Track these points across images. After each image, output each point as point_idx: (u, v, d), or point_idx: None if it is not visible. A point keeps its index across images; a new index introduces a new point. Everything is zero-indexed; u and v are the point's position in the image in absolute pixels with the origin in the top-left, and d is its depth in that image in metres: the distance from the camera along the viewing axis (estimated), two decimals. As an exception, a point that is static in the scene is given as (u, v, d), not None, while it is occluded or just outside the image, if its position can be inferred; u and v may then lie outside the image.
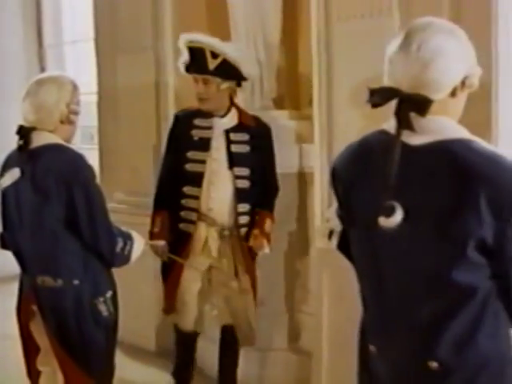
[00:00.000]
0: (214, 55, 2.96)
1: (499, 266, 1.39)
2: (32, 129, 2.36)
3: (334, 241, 1.65)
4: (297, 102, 3.82)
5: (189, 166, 3.08)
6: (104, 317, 2.41)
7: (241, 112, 3.17)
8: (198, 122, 3.11)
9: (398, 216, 1.38)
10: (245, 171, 3.08)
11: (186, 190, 3.08)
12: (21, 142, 2.35)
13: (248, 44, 3.70)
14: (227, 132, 3.09)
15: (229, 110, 3.12)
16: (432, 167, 1.40)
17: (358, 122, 2.90)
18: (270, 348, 3.29)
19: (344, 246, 1.61)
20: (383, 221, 1.39)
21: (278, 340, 3.44)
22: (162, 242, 3.14)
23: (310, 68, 3.33)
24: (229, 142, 3.08)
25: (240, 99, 3.69)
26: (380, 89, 1.46)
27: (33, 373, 2.55)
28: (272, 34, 3.70)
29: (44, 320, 2.39)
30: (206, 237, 3.09)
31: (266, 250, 3.11)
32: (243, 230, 3.09)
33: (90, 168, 2.39)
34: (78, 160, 2.38)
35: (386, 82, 1.47)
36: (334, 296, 3.03)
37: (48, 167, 2.32)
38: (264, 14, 3.68)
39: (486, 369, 1.41)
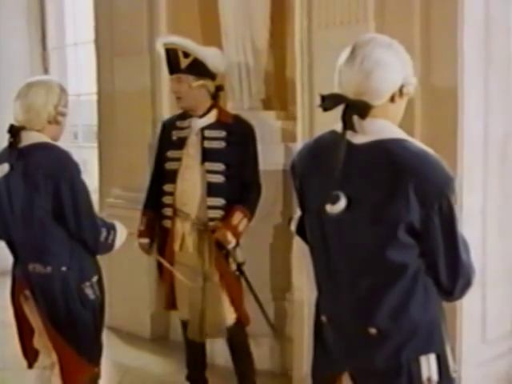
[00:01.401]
0: (186, 55, 3.07)
1: (426, 246, 1.61)
2: (21, 128, 2.53)
3: (293, 226, 1.89)
4: (284, 103, 3.99)
5: (167, 165, 3.20)
6: (91, 299, 2.58)
7: (221, 111, 3.22)
8: (178, 123, 3.22)
9: (342, 204, 1.60)
10: (219, 166, 3.11)
11: (165, 187, 3.18)
12: (11, 140, 2.51)
13: (237, 48, 3.89)
14: (203, 129, 3.15)
15: (209, 111, 3.18)
16: (371, 162, 1.61)
17: (336, 123, 3.12)
18: (255, 334, 3.44)
19: (302, 231, 1.83)
20: (329, 208, 1.61)
21: (262, 327, 3.62)
22: (145, 240, 3.25)
23: (296, 71, 3.53)
24: (203, 139, 3.14)
25: (229, 101, 3.89)
26: (330, 95, 1.67)
27: (29, 352, 2.72)
28: (260, 39, 3.89)
29: (36, 303, 2.57)
30: (183, 232, 3.15)
31: (231, 243, 3.07)
32: (212, 224, 3.10)
33: (75, 164, 2.55)
34: (64, 157, 2.54)
35: (336, 89, 1.69)
36: (314, 285, 3.22)
37: (37, 164, 2.48)
38: (253, 20, 3.87)
39: (416, 334, 1.62)
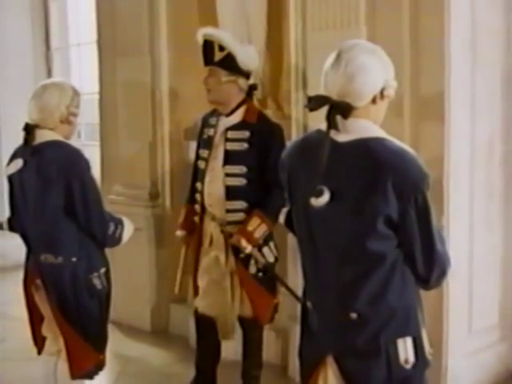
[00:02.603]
0: (221, 48, 3.07)
1: (403, 237, 1.74)
2: (35, 126, 2.69)
3: (281, 218, 2.03)
4: (279, 102, 4.08)
5: (198, 163, 3.26)
6: (98, 290, 2.73)
7: (248, 110, 3.18)
8: (210, 120, 3.25)
9: (326, 197, 1.73)
10: (240, 169, 3.10)
11: (196, 185, 3.24)
12: (26, 137, 2.68)
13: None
14: (227, 130, 3.15)
15: (237, 109, 3.15)
16: (353, 159, 1.74)
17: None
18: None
19: (290, 223, 1.96)
20: (314, 201, 1.74)
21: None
22: (181, 232, 3.32)
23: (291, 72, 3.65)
24: (226, 140, 3.14)
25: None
26: (315, 96, 1.80)
27: (38, 339, 2.87)
28: (257, 41, 3.97)
29: (46, 292, 2.71)
30: (211, 231, 3.19)
31: (246, 249, 3.05)
32: (230, 228, 3.12)
33: (85, 161, 2.71)
34: (75, 154, 2.70)
35: (322, 91, 1.81)
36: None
37: (50, 160, 2.65)
38: (250, 22, 3.98)
39: (394, 318, 1.75)
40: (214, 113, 3.26)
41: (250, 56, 3.21)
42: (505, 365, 3.54)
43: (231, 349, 3.57)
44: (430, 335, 3.02)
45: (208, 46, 3.12)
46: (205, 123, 3.30)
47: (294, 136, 3.55)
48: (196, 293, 3.34)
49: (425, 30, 3.12)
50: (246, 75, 3.18)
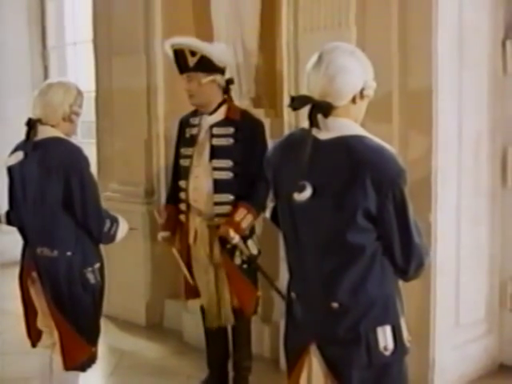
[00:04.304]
0: (193, 53, 3.14)
1: (382, 230, 1.82)
2: (38, 121, 2.76)
3: (268, 213, 2.10)
4: (272, 101, 4.14)
5: (181, 162, 3.31)
6: (91, 284, 2.79)
7: (229, 108, 3.27)
8: (191, 120, 3.32)
9: (308, 192, 1.80)
10: (226, 163, 3.18)
11: (180, 183, 3.29)
12: (28, 131, 2.75)
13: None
14: (211, 127, 3.22)
15: (219, 107, 3.24)
16: (334, 156, 1.81)
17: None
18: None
19: (276, 218, 2.03)
20: (297, 196, 1.81)
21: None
22: (165, 233, 3.38)
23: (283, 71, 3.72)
24: (212, 136, 3.21)
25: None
26: (298, 96, 1.88)
27: (32, 332, 2.93)
28: (250, 41, 4.06)
29: (42, 284, 2.78)
30: (195, 227, 3.26)
31: (234, 239, 3.13)
32: (217, 220, 3.20)
33: (85, 158, 2.79)
34: (76, 151, 2.77)
35: (305, 91, 1.89)
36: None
37: (51, 155, 2.72)
38: (243, 22, 4.04)
39: (373, 307, 1.83)
40: (196, 113, 3.33)
41: (223, 52, 3.29)
42: (491, 358, 3.62)
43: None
44: (417, 328, 3.13)
45: (179, 54, 3.18)
46: (185, 124, 3.37)
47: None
48: (187, 291, 3.41)
49: (413, 31, 3.19)
50: (222, 71, 3.25)
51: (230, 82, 3.31)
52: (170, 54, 3.24)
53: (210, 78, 3.19)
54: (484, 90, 3.46)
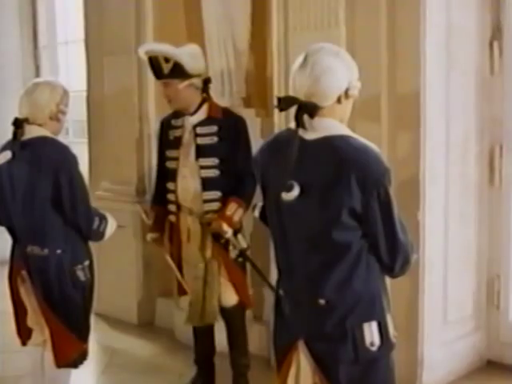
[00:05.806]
0: (167, 60, 3.14)
1: (367, 228, 1.85)
2: (25, 120, 2.78)
3: (256, 212, 2.13)
4: (263, 101, 4.16)
5: (168, 164, 3.34)
6: (82, 281, 2.82)
7: (211, 106, 3.30)
8: (173, 122, 3.34)
9: (296, 191, 1.83)
10: (212, 161, 3.22)
11: (168, 185, 3.32)
12: (15, 131, 2.76)
13: (220, 49, 4.10)
14: (195, 127, 3.25)
15: (200, 107, 3.27)
16: (320, 156, 1.85)
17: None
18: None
19: (264, 216, 2.07)
20: (285, 195, 1.84)
21: (251, 311, 3.83)
22: (154, 234, 3.43)
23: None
24: (196, 136, 3.24)
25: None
26: (284, 97, 1.91)
27: (22, 331, 2.95)
28: (241, 41, 4.09)
29: (32, 283, 2.80)
30: (188, 226, 3.30)
31: (227, 233, 3.18)
32: (208, 216, 3.24)
33: (73, 157, 2.81)
34: (64, 150, 2.80)
35: (290, 91, 1.92)
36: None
37: (39, 154, 2.74)
38: (234, 23, 4.07)
39: (359, 304, 1.86)
40: (177, 114, 3.34)
41: (195, 60, 3.25)
42: (479, 354, 3.66)
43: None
44: (406, 325, 3.17)
45: (154, 61, 3.19)
46: (166, 126, 3.38)
47: (276, 133, 3.64)
48: (180, 287, 3.43)
49: (401, 31, 3.23)
50: (198, 75, 3.26)
51: (207, 81, 3.32)
52: (145, 60, 3.24)
53: (186, 82, 3.20)
54: (471, 90, 3.49)
